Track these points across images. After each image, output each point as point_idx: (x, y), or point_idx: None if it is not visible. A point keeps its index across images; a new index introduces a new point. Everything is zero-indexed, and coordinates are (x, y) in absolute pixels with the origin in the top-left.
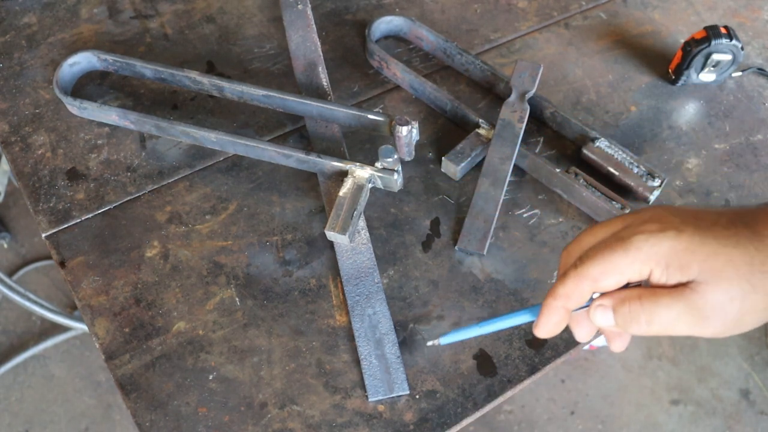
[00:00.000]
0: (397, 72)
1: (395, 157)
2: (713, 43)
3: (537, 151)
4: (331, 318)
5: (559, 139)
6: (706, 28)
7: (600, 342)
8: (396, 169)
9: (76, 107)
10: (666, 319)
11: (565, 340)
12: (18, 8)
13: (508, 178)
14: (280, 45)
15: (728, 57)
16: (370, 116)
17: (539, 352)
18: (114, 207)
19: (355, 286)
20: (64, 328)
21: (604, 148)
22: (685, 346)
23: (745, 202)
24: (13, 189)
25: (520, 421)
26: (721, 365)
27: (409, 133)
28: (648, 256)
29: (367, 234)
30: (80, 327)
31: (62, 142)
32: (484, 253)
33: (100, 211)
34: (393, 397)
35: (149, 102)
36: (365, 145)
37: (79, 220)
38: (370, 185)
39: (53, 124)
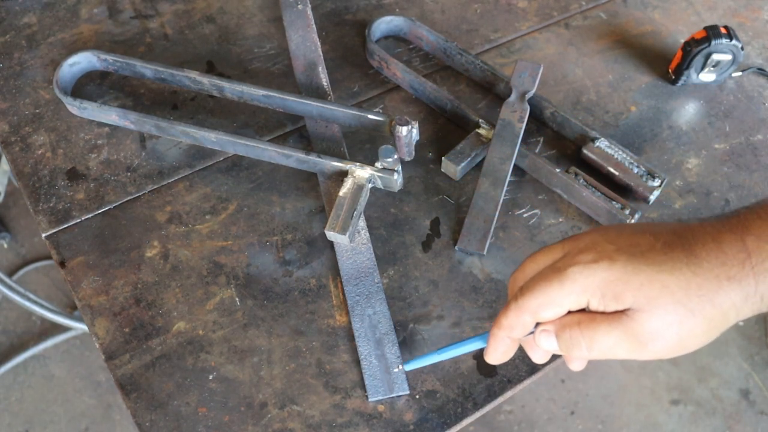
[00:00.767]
0: (397, 72)
1: (395, 157)
2: (713, 43)
3: (537, 151)
4: (331, 318)
5: (559, 139)
6: (706, 28)
7: None
8: (396, 169)
9: (76, 107)
10: (605, 345)
11: None
12: (18, 8)
13: (508, 178)
14: (280, 45)
15: (728, 57)
16: (370, 116)
17: None
18: (114, 207)
19: (355, 286)
20: (64, 328)
21: (604, 148)
22: None
23: (744, 202)
24: (13, 189)
25: (520, 421)
26: (721, 365)
27: (409, 133)
28: (583, 288)
29: (367, 234)
30: (80, 327)
31: (62, 142)
32: (484, 253)
33: (100, 211)
34: (393, 397)
35: (149, 102)
36: (365, 145)
37: (79, 220)
38: (370, 185)
39: (53, 124)
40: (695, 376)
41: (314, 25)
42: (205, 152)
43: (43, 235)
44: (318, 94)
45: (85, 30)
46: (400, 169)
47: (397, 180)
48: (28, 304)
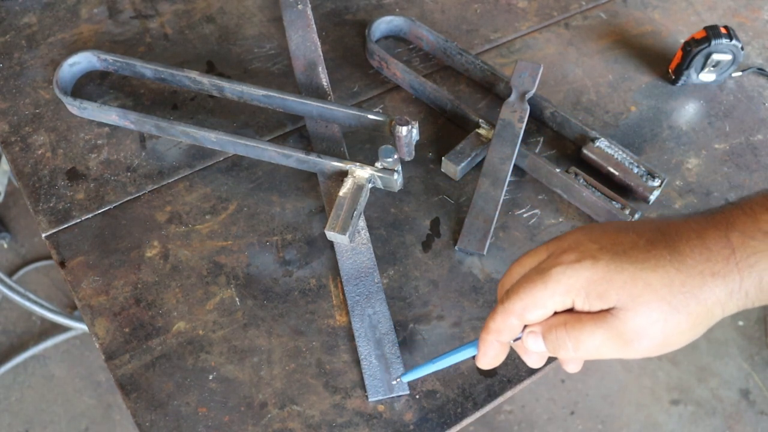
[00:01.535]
0: (397, 72)
1: (395, 157)
2: (713, 43)
3: (537, 151)
4: (331, 318)
5: (559, 139)
6: (706, 28)
7: None
8: (396, 169)
9: (76, 107)
10: (591, 345)
11: None
12: (18, 8)
13: (508, 178)
14: (280, 45)
15: (728, 57)
16: (370, 116)
17: None
18: (114, 207)
19: (355, 286)
20: (64, 328)
21: (604, 148)
22: (685, 346)
23: None
24: (13, 189)
25: (520, 421)
26: (721, 365)
27: (409, 133)
28: (567, 288)
29: (367, 234)
30: (80, 327)
31: (62, 142)
32: (484, 253)
33: (100, 211)
34: (393, 397)
35: (149, 102)
36: (365, 145)
37: (79, 220)
38: (370, 185)
39: (53, 124)
40: (695, 376)
41: (314, 25)
42: (205, 152)
43: (43, 235)
44: (318, 94)
45: (85, 30)
46: (400, 169)
47: (397, 180)
48: (28, 304)
